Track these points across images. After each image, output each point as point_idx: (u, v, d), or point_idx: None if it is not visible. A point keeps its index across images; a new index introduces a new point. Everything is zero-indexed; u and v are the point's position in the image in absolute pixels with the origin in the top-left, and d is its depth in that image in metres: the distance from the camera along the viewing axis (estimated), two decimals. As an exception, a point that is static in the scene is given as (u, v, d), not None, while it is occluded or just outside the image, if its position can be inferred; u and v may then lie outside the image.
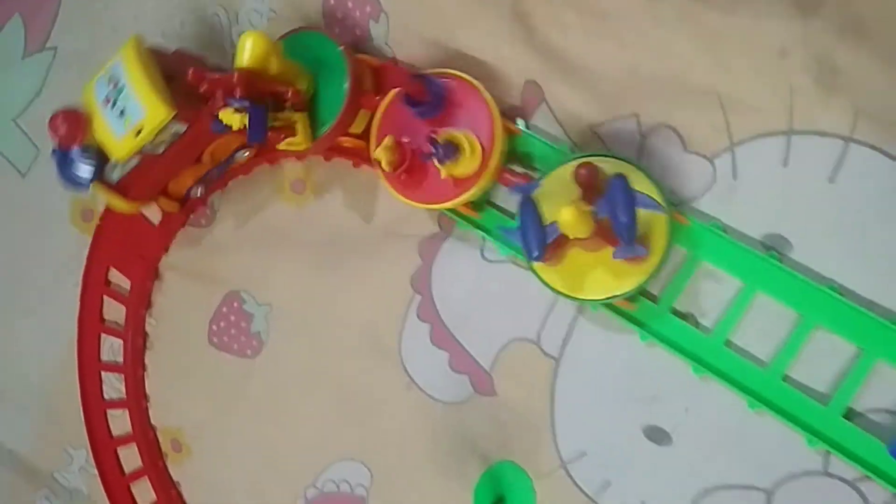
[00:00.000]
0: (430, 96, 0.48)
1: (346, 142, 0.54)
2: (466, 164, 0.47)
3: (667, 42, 0.46)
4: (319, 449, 0.60)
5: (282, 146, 0.51)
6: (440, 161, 0.46)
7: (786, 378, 0.44)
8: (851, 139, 0.42)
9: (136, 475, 0.68)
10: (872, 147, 0.42)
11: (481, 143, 0.47)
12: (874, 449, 0.42)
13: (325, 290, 0.59)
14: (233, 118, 0.48)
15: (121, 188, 0.55)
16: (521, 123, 0.50)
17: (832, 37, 0.42)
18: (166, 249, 0.67)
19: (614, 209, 0.40)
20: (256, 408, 0.63)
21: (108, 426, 0.70)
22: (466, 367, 0.54)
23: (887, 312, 0.42)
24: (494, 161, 0.48)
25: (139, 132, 0.50)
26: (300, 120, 0.50)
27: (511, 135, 0.50)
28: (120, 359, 0.69)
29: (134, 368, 0.69)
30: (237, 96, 0.47)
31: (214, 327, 0.65)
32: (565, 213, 0.40)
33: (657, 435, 0.48)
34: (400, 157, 0.48)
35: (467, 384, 0.54)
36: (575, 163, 0.44)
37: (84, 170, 0.52)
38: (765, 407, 0.43)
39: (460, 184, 0.48)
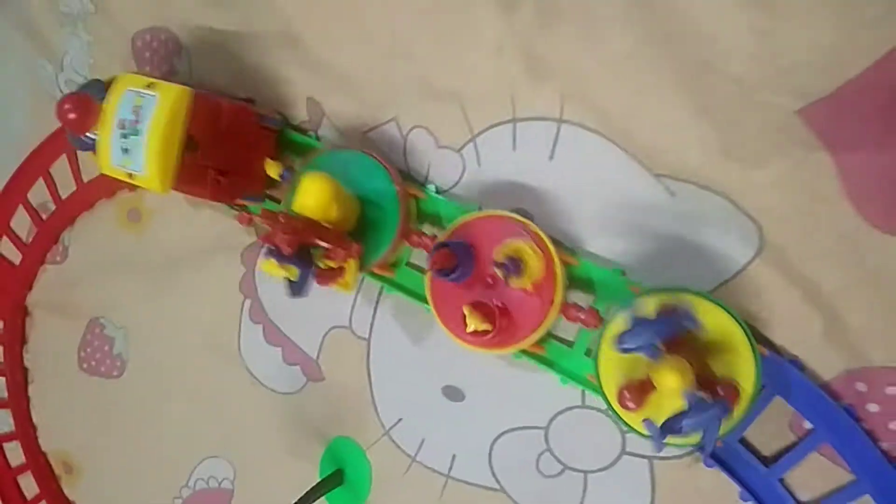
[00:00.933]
0: (457, 259, 0.46)
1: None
2: (534, 269, 0.46)
3: (410, 46, 0.52)
4: (186, 451, 0.66)
5: (329, 285, 0.48)
6: (515, 275, 0.44)
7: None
8: (562, 120, 0.49)
9: (36, 500, 0.74)
10: (579, 125, 0.48)
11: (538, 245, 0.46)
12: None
13: (170, 306, 0.65)
14: (277, 270, 0.45)
15: None
16: (431, 188, 0.52)
17: (533, 29, 0.48)
18: (30, 287, 0.72)
19: (702, 428, 0.39)
20: (129, 422, 0.69)
21: (4, 458, 0.75)
22: (297, 358, 0.60)
23: (610, 263, 0.48)
24: (552, 316, 0.46)
25: (131, 178, 0.49)
26: (350, 268, 0.48)
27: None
28: (5, 394, 0.74)
29: (18, 401, 0.74)
30: (286, 254, 0.44)
31: (82, 354, 0.70)
32: (671, 381, 0.38)
33: (453, 393, 0.55)
34: (489, 314, 0.45)
35: (300, 373, 0.60)
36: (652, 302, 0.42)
37: (89, 145, 0.50)
38: (526, 357, 0.50)
39: (535, 297, 0.46)
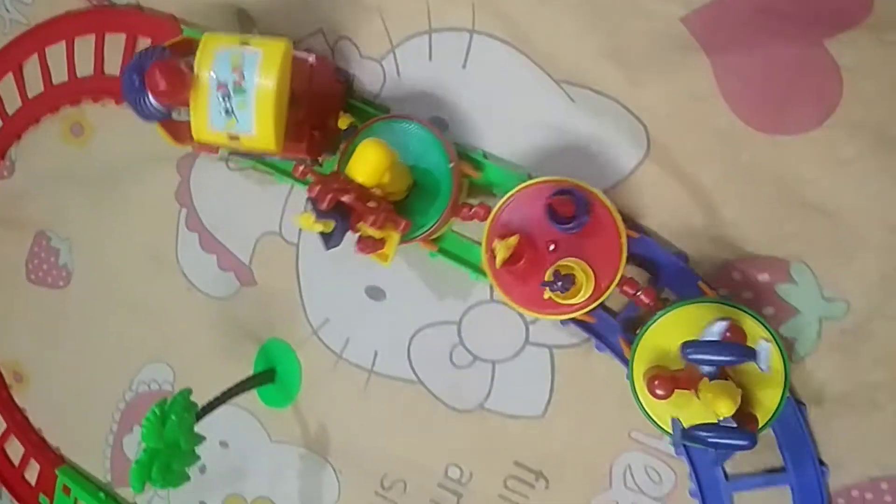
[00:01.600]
0: (576, 210, 0.45)
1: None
2: (577, 295, 0.46)
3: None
4: (129, 357, 0.69)
5: (368, 254, 0.47)
6: (555, 292, 0.44)
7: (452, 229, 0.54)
8: (473, 31, 0.52)
9: (-14, 408, 0.77)
10: (489, 35, 0.51)
11: (594, 271, 0.46)
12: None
13: (112, 217, 0.68)
14: (312, 224, 0.43)
15: (178, 131, 0.52)
16: (479, 153, 0.52)
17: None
18: (-22, 204, 0.74)
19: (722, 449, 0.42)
20: (75, 330, 0.72)
21: (-46, 369, 0.77)
22: (231, 264, 0.63)
23: (517, 167, 0.52)
24: (610, 290, 0.46)
25: (235, 140, 0.47)
26: (391, 241, 0.46)
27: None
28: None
29: (-31, 313, 0.77)
30: (323, 209, 0.43)
31: (30, 265, 0.73)
32: (722, 408, 0.40)
33: (375, 293, 0.58)
34: (516, 258, 0.46)
35: (234, 279, 0.63)
36: (708, 309, 0.44)
37: (158, 116, 0.49)
38: (441, 256, 0.54)
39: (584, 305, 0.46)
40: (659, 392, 0.43)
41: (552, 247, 0.47)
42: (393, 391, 0.59)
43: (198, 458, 0.54)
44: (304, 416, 0.63)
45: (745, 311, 0.44)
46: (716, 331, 0.43)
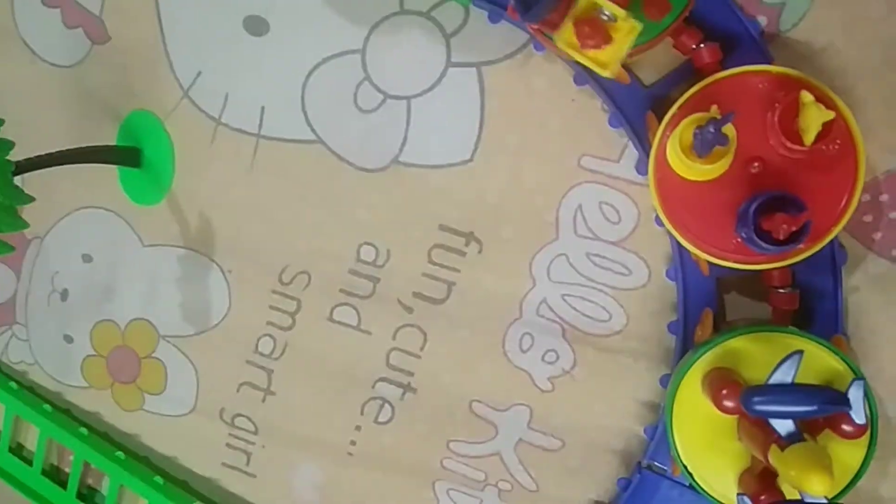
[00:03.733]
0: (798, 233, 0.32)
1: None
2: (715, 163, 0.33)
3: None
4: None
5: (575, 55, 0.30)
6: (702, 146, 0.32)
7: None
8: None
9: None
10: None
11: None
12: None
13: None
14: None
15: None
16: None
17: None
18: None
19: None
20: None
21: None
22: (78, 18, 0.50)
23: None
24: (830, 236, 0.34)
25: None
26: (623, 34, 0.30)
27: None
28: None
29: None
30: None
31: None
32: (816, 485, 0.29)
33: (256, 25, 0.46)
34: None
35: (83, 37, 0.50)
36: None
37: None
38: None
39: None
40: (727, 404, 0.34)
41: (756, 166, 0.34)
42: (287, 158, 0.47)
43: (22, 223, 0.41)
44: (182, 208, 0.50)
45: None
46: (789, 371, 0.31)
